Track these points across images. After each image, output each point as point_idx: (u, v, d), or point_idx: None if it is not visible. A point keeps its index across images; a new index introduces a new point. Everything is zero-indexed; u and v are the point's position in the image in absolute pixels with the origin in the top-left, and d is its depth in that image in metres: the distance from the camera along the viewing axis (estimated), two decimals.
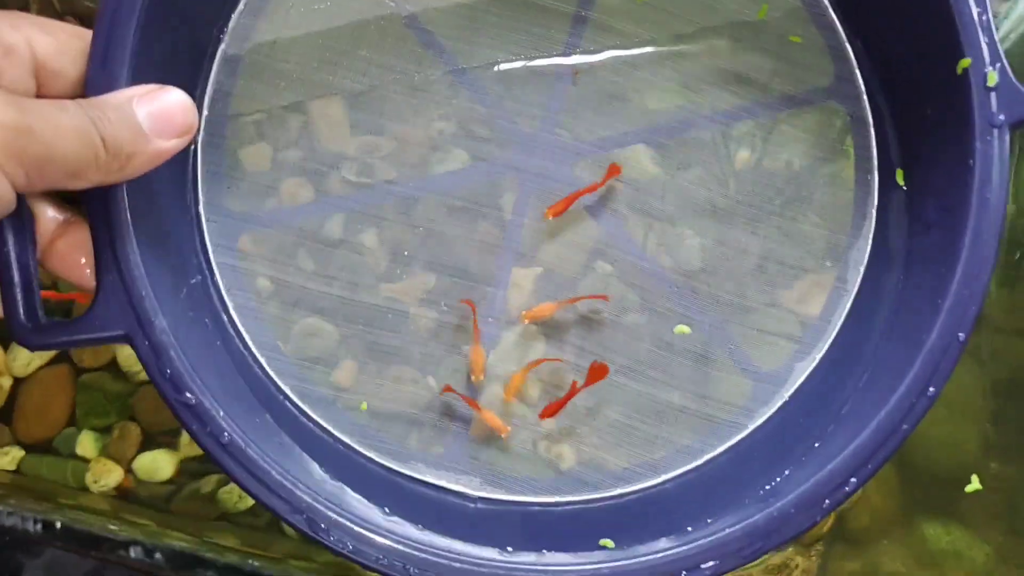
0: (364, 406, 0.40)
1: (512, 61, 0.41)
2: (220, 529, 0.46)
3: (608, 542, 0.36)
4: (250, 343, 0.39)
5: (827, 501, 0.34)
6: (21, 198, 0.30)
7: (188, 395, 0.33)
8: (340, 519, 0.34)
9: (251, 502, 0.49)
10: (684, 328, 0.40)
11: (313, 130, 0.41)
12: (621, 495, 0.39)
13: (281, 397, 0.39)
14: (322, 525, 0.34)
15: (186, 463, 0.51)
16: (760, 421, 0.40)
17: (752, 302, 0.41)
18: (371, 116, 0.41)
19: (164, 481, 0.51)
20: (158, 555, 0.36)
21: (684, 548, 0.34)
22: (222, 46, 0.40)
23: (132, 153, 0.31)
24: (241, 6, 0.40)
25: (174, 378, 0.33)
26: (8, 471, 0.51)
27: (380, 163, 0.41)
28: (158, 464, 0.51)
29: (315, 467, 0.37)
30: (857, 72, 0.41)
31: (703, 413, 0.40)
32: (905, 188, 0.40)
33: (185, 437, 0.52)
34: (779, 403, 0.40)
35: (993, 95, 0.35)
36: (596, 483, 0.40)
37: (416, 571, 0.33)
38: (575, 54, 0.41)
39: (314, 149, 0.41)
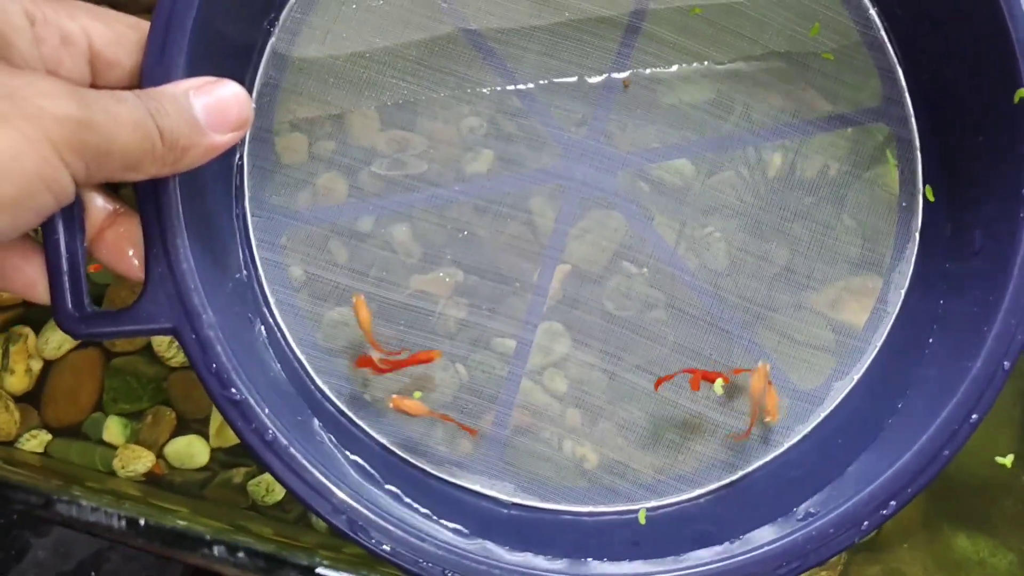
0: (418, 394, 0.40)
1: (562, 69, 0.41)
2: (252, 519, 0.46)
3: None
4: (291, 340, 0.39)
5: (866, 523, 0.34)
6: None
7: (234, 391, 0.33)
8: (380, 521, 0.34)
9: (280, 496, 0.49)
10: (719, 387, 0.40)
11: (359, 129, 0.41)
12: (655, 507, 0.39)
13: (319, 395, 0.39)
14: (361, 524, 0.34)
15: (216, 452, 0.51)
16: (796, 439, 0.40)
17: (795, 325, 0.41)
18: (418, 118, 0.41)
19: (199, 468, 0.51)
20: (240, 554, 0.36)
21: (722, 564, 0.34)
22: (272, 39, 0.40)
23: (188, 146, 0.31)
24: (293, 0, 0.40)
25: (220, 373, 0.33)
26: (37, 453, 0.51)
27: (427, 164, 0.41)
28: (193, 449, 0.51)
29: (352, 468, 0.37)
30: (906, 95, 0.41)
31: (739, 429, 0.40)
32: (949, 212, 0.40)
33: (214, 427, 0.51)
34: (816, 422, 0.40)
35: None
36: (628, 494, 0.40)
37: (453, 575, 0.33)
38: (626, 64, 0.41)
39: (357, 146, 0.41)
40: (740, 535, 0.36)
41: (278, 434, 0.33)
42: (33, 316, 0.53)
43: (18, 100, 0.26)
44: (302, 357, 0.39)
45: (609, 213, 0.41)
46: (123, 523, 0.35)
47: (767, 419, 0.39)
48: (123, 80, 0.33)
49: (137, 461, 0.51)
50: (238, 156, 0.39)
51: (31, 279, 0.33)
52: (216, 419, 0.51)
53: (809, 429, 0.40)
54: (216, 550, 0.36)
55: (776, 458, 0.40)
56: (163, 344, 0.52)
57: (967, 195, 0.39)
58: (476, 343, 0.40)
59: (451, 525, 0.36)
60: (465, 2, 0.41)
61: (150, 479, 0.50)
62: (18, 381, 0.53)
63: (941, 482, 0.52)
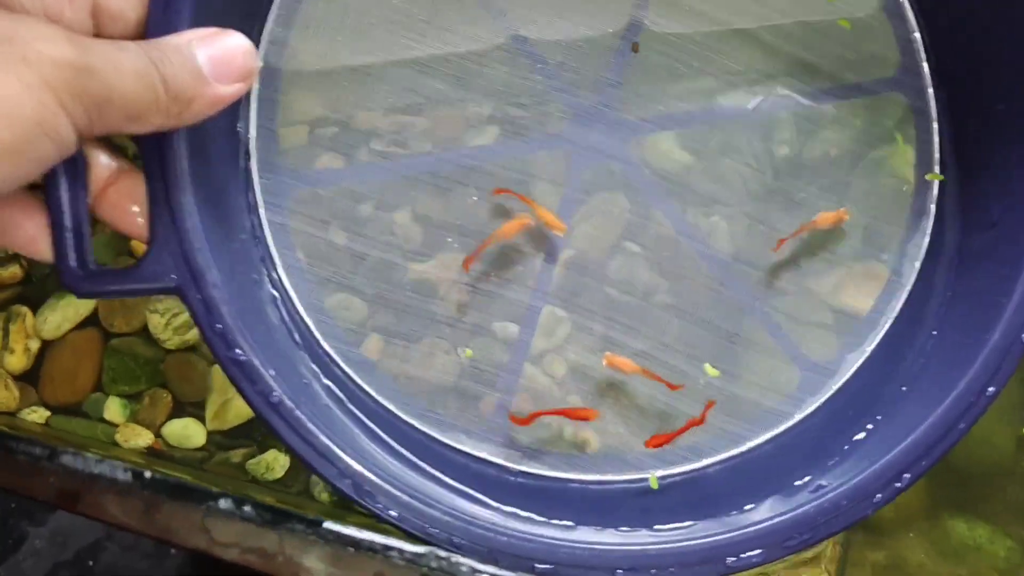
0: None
1: (573, 29, 0.40)
2: (254, 488, 0.46)
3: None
4: (296, 302, 0.39)
5: (878, 495, 0.34)
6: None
7: (238, 351, 0.33)
8: (386, 485, 0.33)
9: (280, 473, 0.49)
10: (713, 370, 0.39)
11: (366, 89, 0.40)
12: (664, 476, 0.39)
13: (327, 359, 0.38)
14: (367, 489, 0.33)
15: (212, 435, 0.51)
16: (808, 411, 0.39)
17: (803, 291, 0.40)
18: (429, 79, 0.40)
19: (196, 449, 0.51)
20: (247, 507, 0.35)
21: (730, 535, 0.34)
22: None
23: (192, 97, 0.30)
24: None
25: (225, 333, 0.33)
26: (39, 423, 0.51)
27: (433, 125, 0.40)
28: (189, 431, 0.51)
29: (360, 432, 0.36)
30: (924, 64, 0.40)
31: (748, 399, 0.40)
32: (965, 184, 0.39)
33: (211, 410, 0.51)
34: (828, 394, 0.40)
35: None
36: (637, 464, 0.39)
37: (460, 541, 0.33)
38: (639, 26, 0.40)
39: (366, 107, 0.40)
40: (744, 505, 0.35)
41: (283, 397, 0.33)
42: (31, 295, 0.52)
43: (16, 43, 0.26)
44: (308, 320, 0.39)
45: (614, 192, 0.40)
46: (128, 475, 0.34)
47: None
48: (127, 33, 0.33)
49: (138, 437, 0.50)
50: (244, 114, 0.39)
51: (32, 235, 0.33)
52: (213, 402, 0.51)
53: (821, 401, 0.40)
54: (222, 503, 0.35)
55: (788, 430, 0.39)
56: (159, 326, 0.51)
57: (984, 167, 0.38)
58: (478, 328, 0.40)
59: (460, 490, 0.36)
60: None
61: (151, 452, 0.50)
62: (16, 360, 0.52)
63: (943, 468, 0.53)
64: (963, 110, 0.40)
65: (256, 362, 0.33)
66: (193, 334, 0.51)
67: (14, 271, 0.52)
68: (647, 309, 0.40)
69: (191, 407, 0.51)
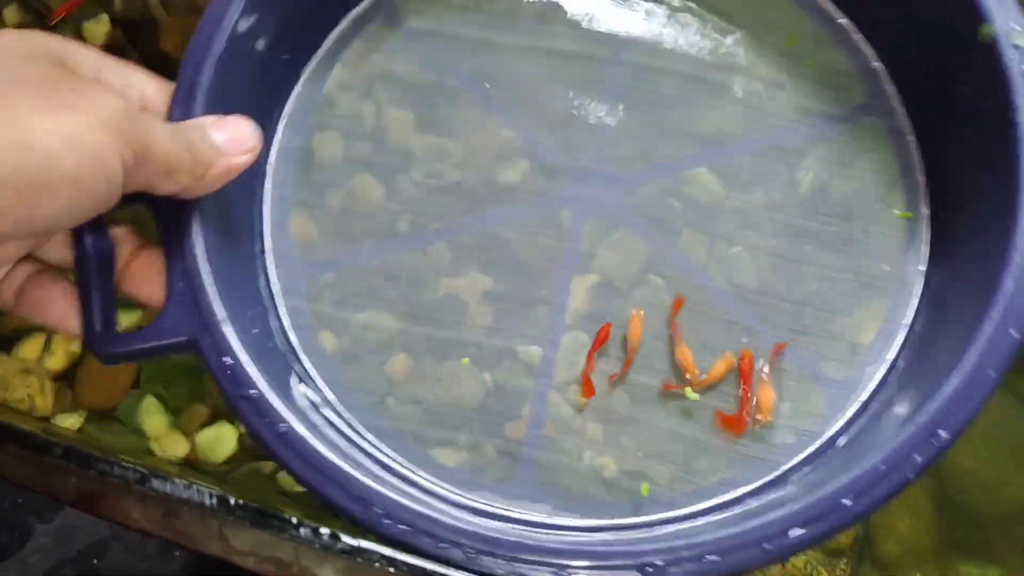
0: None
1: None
2: (282, 502, 0.45)
3: None
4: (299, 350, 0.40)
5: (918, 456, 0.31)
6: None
7: (251, 390, 0.34)
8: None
9: None
10: (693, 395, 0.39)
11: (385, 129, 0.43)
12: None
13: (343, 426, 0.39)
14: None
15: (245, 438, 0.52)
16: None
17: (820, 316, 0.40)
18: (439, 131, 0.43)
19: (226, 459, 0.52)
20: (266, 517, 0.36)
21: (764, 519, 0.31)
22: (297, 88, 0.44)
23: (211, 162, 0.34)
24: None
25: (236, 373, 0.34)
26: (74, 430, 0.53)
27: (444, 165, 0.43)
28: (223, 433, 0.52)
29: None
30: (888, 85, 0.43)
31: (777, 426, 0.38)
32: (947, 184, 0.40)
33: None
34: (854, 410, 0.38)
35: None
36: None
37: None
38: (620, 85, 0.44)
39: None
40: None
41: (291, 427, 0.33)
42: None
43: (82, 94, 0.31)
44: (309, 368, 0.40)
45: (627, 232, 0.42)
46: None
47: (759, 417, 0.38)
48: None
49: (176, 447, 0.52)
50: (259, 195, 0.43)
51: (64, 313, 0.36)
52: None
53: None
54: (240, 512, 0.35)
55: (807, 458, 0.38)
56: None
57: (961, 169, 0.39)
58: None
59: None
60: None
61: (186, 463, 0.51)
62: (56, 361, 0.56)
63: (954, 510, 0.52)
64: (929, 116, 0.42)
65: (268, 397, 0.34)
66: None
67: None
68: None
69: (226, 414, 0.53)
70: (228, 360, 0.34)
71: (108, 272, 0.36)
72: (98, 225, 0.36)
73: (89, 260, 0.36)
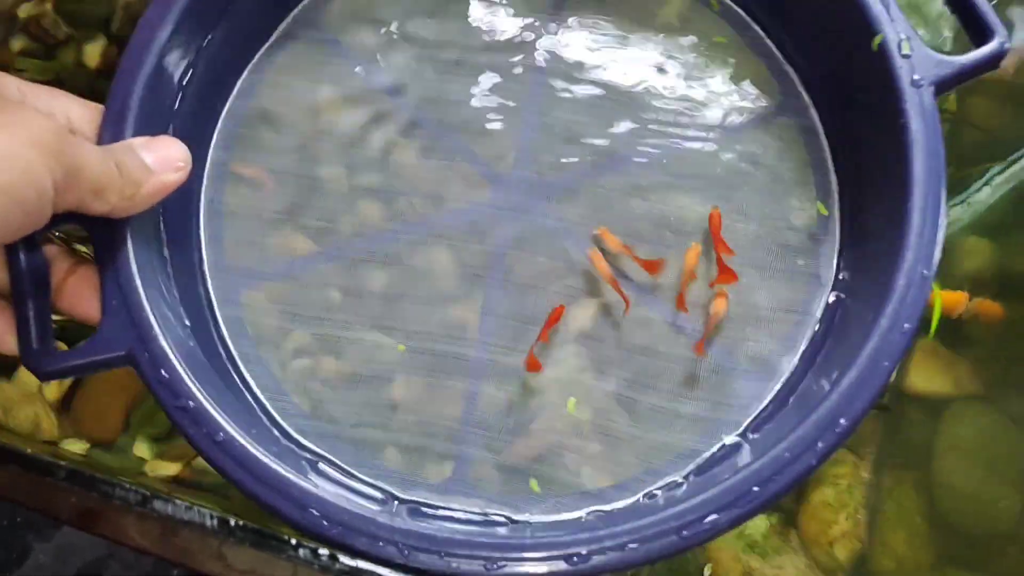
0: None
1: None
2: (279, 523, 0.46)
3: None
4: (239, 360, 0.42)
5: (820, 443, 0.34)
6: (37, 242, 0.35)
7: (189, 401, 0.35)
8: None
9: None
10: (572, 403, 0.41)
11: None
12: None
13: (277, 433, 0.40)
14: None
15: None
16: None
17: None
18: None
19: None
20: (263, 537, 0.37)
21: (677, 509, 0.34)
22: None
23: (141, 181, 0.35)
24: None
25: (173, 384, 0.35)
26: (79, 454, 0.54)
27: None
28: None
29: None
30: (800, 86, 0.45)
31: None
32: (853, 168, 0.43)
33: None
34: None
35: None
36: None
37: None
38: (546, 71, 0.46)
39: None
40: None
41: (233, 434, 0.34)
42: (67, 336, 0.56)
43: (11, 114, 0.31)
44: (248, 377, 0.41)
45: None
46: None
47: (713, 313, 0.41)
48: None
49: (167, 469, 0.54)
50: (195, 203, 0.44)
51: (2, 330, 0.37)
52: None
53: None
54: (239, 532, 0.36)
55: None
56: None
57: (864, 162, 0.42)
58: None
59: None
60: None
61: (175, 481, 0.52)
62: (50, 390, 0.58)
63: (947, 528, 0.54)
64: (833, 108, 0.44)
65: (206, 406, 0.35)
66: None
67: None
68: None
69: None
70: (164, 373, 0.35)
71: (43, 290, 0.37)
72: (32, 243, 0.37)
73: (23, 278, 0.36)
